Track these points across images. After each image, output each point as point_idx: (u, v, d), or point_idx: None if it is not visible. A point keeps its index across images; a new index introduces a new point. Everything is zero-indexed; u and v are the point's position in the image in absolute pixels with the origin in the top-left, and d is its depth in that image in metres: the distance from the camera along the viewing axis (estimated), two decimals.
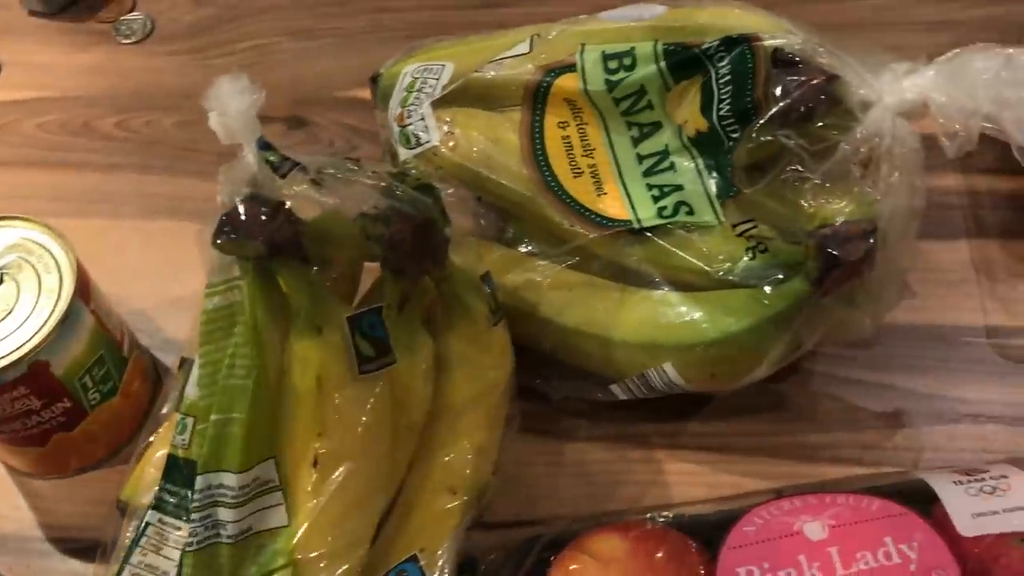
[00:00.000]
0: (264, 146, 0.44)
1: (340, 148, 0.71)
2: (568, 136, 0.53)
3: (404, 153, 0.55)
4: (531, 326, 0.53)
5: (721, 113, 0.50)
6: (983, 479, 0.45)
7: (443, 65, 0.56)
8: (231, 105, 0.43)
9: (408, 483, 0.49)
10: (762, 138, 0.47)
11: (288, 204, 0.44)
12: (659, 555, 0.45)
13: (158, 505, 0.44)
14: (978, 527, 0.43)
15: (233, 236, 0.42)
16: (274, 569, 0.43)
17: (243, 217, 0.42)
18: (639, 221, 0.50)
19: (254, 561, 0.43)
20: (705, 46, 0.50)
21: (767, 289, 0.47)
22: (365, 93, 0.72)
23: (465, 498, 0.49)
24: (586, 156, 0.53)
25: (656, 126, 0.52)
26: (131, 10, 0.80)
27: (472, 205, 0.55)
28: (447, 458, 0.49)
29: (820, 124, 0.47)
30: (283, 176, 0.44)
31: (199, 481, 0.42)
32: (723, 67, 0.50)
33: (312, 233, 0.44)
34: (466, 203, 0.55)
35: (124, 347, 0.56)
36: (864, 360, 0.58)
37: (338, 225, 0.47)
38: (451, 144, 0.54)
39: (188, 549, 0.42)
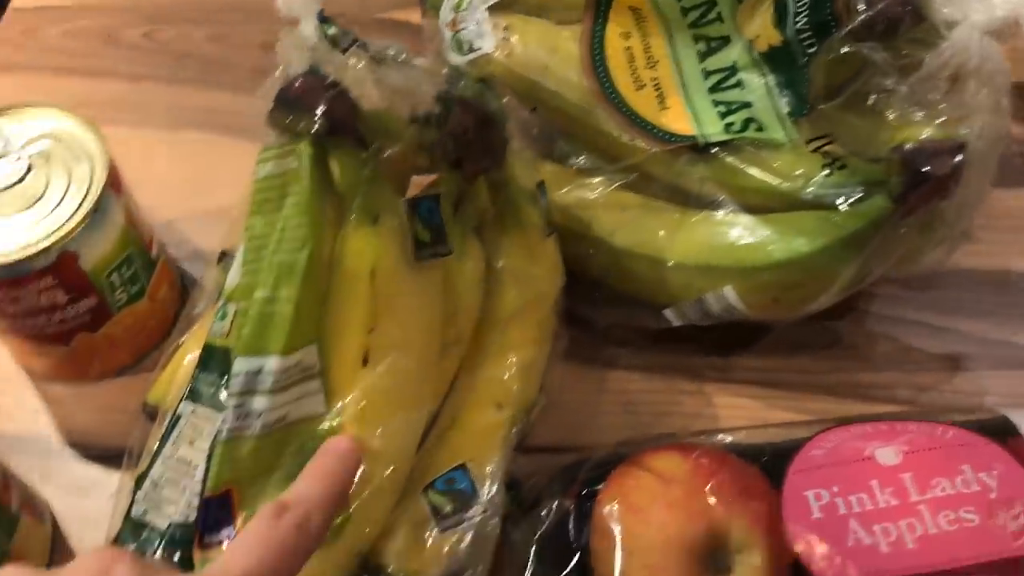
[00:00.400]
0: (324, 19, 0.42)
1: None
2: (630, 47, 0.51)
3: (456, 60, 0.52)
4: (581, 247, 0.51)
5: (798, 26, 0.47)
6: None
7: None
8: None
9: (453, 397, 0.47)
10: (843, 51, 0.45)
11: (343, 84, 0.41)
12: (722, 476, 0.42)
13: (192, 395, 0.42)
14: None
15: (290, 110, 0.39)
16: None
17: (301, 92, 0.40)
18: (704, 136, 0.48)
19: (289, 452, 0.40)
20: None
21: (843, 208, 0.45)
22: (406, 15, 0.71)
23: (511, 413, 0.46)
24: (649, 68, 0.50)
25: (724, 40, 0.50)
26: None
27: (524, 117, 0.52)
28: (494, 372, 0.47)
29: (903, 40, 0.45)
30: (344, 51, 0.41)
31: (237, 364, 0.39)
32: None
33: (366, 117, 0.42)
34: (517, 115, 0.52)
35: (152, 249, 0.53)
36: (923, 301, 0.56)
37: (391, 119, 0.44)
38: (507, 51, 0.51)
39: (219, 438, 0.39)
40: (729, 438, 0.46)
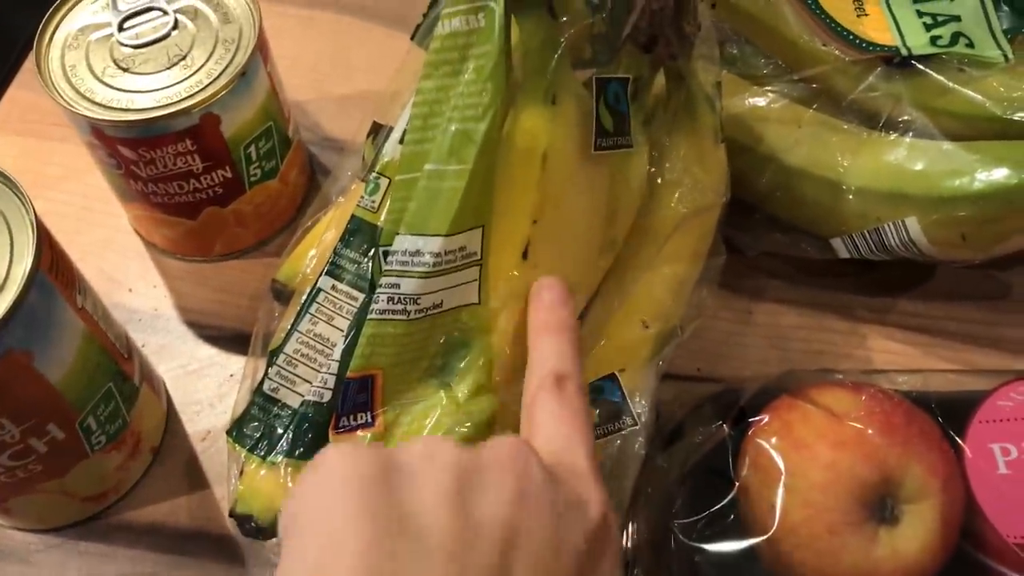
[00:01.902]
0: None
1: None
2: None
3: None
4: (748, 163, 0.47)
5: None
6: None
7: None
8: None
9: (599, 304, 0.43)
10: None
11: None
12: (898, 419, 0.39)
13: (332, 271, 0.39)
14: None
15: None
16: (466, 361, 0.37)
17: None
18: (908, 48, 0.43)
19: (436, 341, 0.37)
20: None
21: None
22: None
23: (658, 331, 0.43)
24: None
25: None
26: None
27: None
28: (646, 285, 0.43)
29: None
30: None
31: (398, 242, 0.36)
32: None
33: None
34: None
35: (290, 128, 0.51)
36: None
37: None
38: None
39: (368, 318, 0.36)
40: (901, 379, 0.42)
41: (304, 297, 0.40)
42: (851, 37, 0.44)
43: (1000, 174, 0.42)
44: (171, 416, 0.47)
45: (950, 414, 0.40)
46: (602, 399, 0.40)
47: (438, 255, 0.36)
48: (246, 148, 0.47)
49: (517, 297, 0.38)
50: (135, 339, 0.47)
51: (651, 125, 0.43)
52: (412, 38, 0.43)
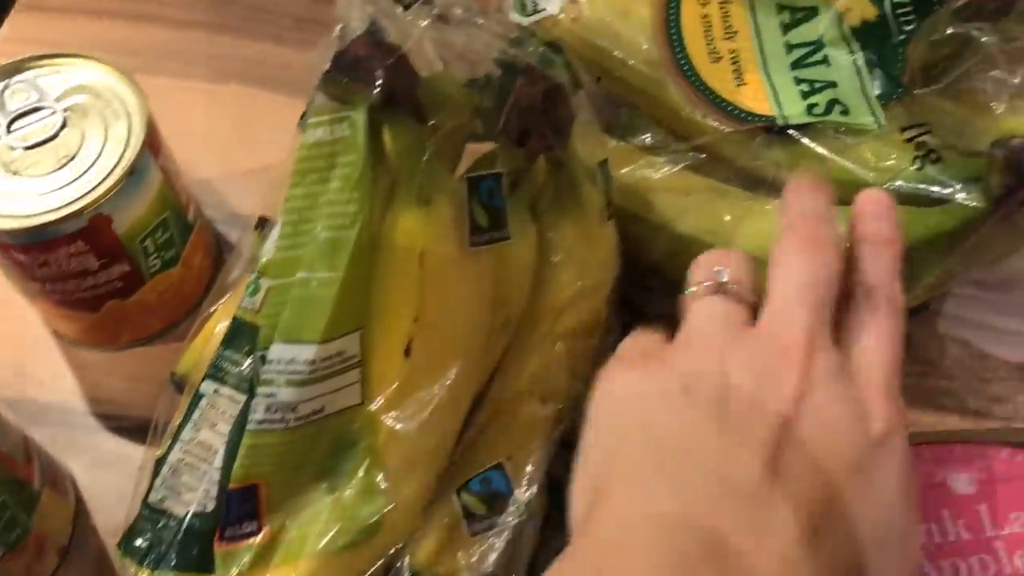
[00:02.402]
0: None
1: None
2: (708, 15, 0.47)
3: (518, 20, 0.48)
4: (641, 230, 0.48)
5: (895, 0, 0.43)
6: None
7: None
8: None
9: (495, 386, 0.44)
10: (948, 31, 0.41)
11: (405, 50, 0.38)
12: None
13: (215, 374, 0.39)
14: None
15: (347, 77, 0.36)
16: (352, 463, 0.38)
17: (360, 56, 0.36)
18: (784, 118, 0.44)
19: (322, 445, 0.38)
20: None
21: (936, 206, 0.41)
22: None
23: (557, 408, 0.44)
24: (727, 39, 0.46)
25: (811, 12, 0.46)
26: None
27: (589, 87, 0.49)
28: (541, 363, 0.44)
29: (1014, 21, 0.41)
30: (406, 7, 0.38)
31: (273, 351, 0.36)
32: None
33: (426, 87, 0.38)
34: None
35: (189, 213, 0.51)
36: (1000, 305, 0.52)
37: (450, 84, 0.41)
38: (573, 14, 0.47)
39: (247, 428, 0.37)
40: None
41: (187, 401, 0.40)
42: (730, 108, 0.45)
43: None
44: (80, 512, 0.47)
45: None
46: (488, 491, 0.40)
47: (313, 363, 0.36)
48: (142, 242, 0.47)
49: (402, 395, 0.38)
50: (44, 434, 0.47)
51: (538, 209, 0.44)
52: (299, 124, 0.43)
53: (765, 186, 0.46)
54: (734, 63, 0.46)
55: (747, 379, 0.30)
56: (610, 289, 0.46)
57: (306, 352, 0.36)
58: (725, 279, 0.34)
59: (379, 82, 0.35)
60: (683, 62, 0.46)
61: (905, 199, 0.42)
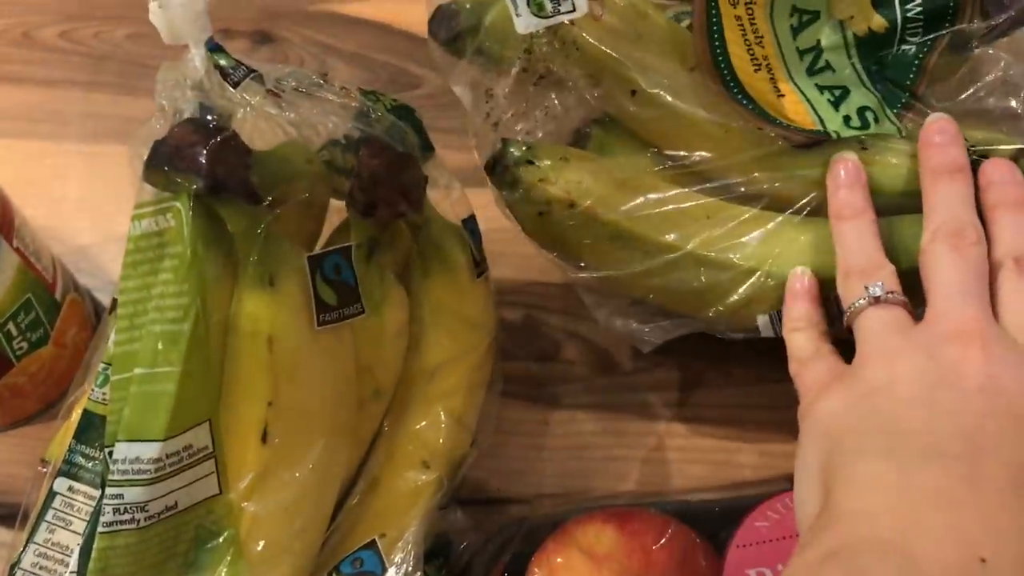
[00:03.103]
0: (214, 48, 0.37)
1: (312, 68, 0.63)
2: (740, 16, 0.42)
3: (529, 23, 0.39)
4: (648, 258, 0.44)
5: (909, 13, 0.42)
6: None
7: None
8: None
9: (374, 457, 0.43)
10: (976, 51, 0.42)
11: (234, 130, 0.37)
12: (657, 551, 0.39)
13: (69, 471, 0.38)
14: None
15: (167, 168, 0.35)
16: (215, 555, 0.37)
17: (181, 145, 0.35)
18: (834, 132, 0.41)
19: (184, 539, 0.37)
20: None
21: None
22: (341, 7, 0.66)
23: (438, 473, 0.43)
24: (759, 45, 0.43)
25: (815, 16, 0.43)
26: None
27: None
28: (419, 427, 0.43)
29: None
30: (235, 85, 0.37)
31: (117, 451, 0.35)
32: None
33: (265, 166, 0.37)
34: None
35: (57, 290, 0.49)
36: None
37: (295, 154, 0.40)
38: (596, 10, 0.41)
39: (100, 530, 0.35)
40: (673, 500, 0.43)
41: (41, 500, 0.39)
42: (782, 124, 0.42)
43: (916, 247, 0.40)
44: None
45: (723, 534, 0.41)
46: (361, 572, 0.39)
47: (159, 460, 0.35)
48: (3, 328, 0.45)
49: (262, 481, 0.37)
50: None
51: (406, 270, 0.43)
52: None
53: (783, 203, 0.43)
54: (769, 72, 0.43)
55: (934, 368, 0.33)
56: (487, 347, 0.45)
57: (150, 450, 0.35)
58: (879, 292, 0.37)
59: (203, 170, 0.34)
60: (726, 71, 0.42)
61: None
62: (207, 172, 0.35)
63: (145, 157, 0.36)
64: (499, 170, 0.42)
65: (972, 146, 0.41)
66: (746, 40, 0.43)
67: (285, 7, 0.65)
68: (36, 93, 0.63)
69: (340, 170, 0.41)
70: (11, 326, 0.46)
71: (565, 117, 0.45)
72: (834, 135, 0.41)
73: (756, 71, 0.43)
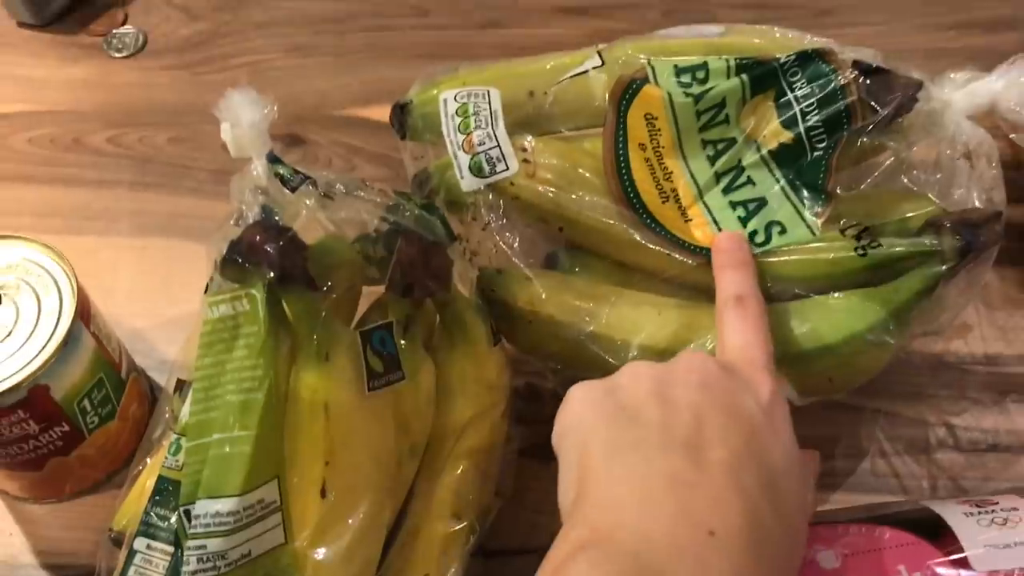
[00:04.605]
0: (274, 159, 0.44)
1: (338, 167, 0.70)
2: (648, 159, 0.51)
3: (472, 183, 0.50)
4: (616, 360, 0.50)
5: (808, 124, 0.49)
6: (994, 510, 0.45)
7: (487, 90, 0.53)
8: (243, 117, 0.43)
9: (411, 508, 0.48)
10: (867, 142, 0.49)
11: (294, 230, 0.43)
12: None
13: (146, 531, 0.43)
14: (991, 560, 0.42)
15: (241, 263, 0.41)
16: None
17: (253, 244, 0.42)
18: None
19: None
20: (781, 60, 0.50)
21: (892, 282, 0.48)
22: (363, 112, 0.73)
23: (469, 520, 0.48)
24: (667, 180, 0.51)
25: (730, 143, 0.51)
26: (123, 23, 0.80)
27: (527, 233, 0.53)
28: (449, 481, 0.49)
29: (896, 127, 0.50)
30: (293, 190, 0.43)
31: (198, 507, 0.40)
32: (798, 81, 0.50)
33: (315, 257, 0.44)
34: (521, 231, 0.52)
35: (122, 369, 0.55)
36: (867, 388, 0.57)
37: (339, 247, 0.47)
38: (530, 171, 0.50)
39: None
40: None
41: (122, 559, 0.44)
42: (687, 245, 0.50)
43: (850, 323, 0.48)
44: None
45: None
46: None
47: (236, 513, 0.40)
48: (79, 403, 0.51)
49: (322, 531, 0.43)
50: None
51: (432, 344, 0.49)
52: (206, 292, 0.48)
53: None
54: (677, 201, 0.51)
55: (666, 371, 0.41)
56: (506, 405, 0.51)
57: (229, 505, 0.40)
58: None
59: (273, 264, 0.40)
60: (638, 206, 0.50)
61: (857, 283, 0.49)
62: (277, 264, 0.41)
63: (221, 254, 0.42)
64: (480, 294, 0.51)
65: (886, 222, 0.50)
66: (654, 176, 0.51)
67: (312, 113, 0.73)
68: (87, 193, 0.70)
69: (370, 259, 0.48)
70: (86, 402, 0.52)
71: (527, 248, 0.53)
72: None
73: (664, 202, 0.51)
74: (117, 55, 0.78)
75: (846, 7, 0.78)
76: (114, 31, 0.79)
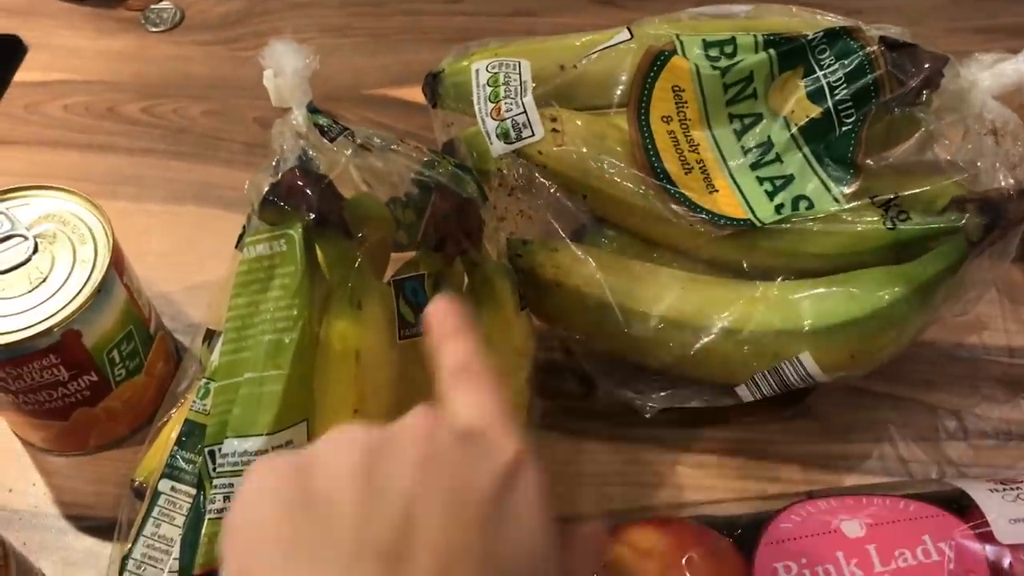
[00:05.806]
0: (314, 110, 0.44)
1: None
2: (673, 131, 0.52)
3: (500, 148, 0.51)
4: (639, 332, 0.51)
5: (837, 98, 0.50)
6: (1018, 488, 0.45)
7: (518, 61, 0.54)
8: (286, 65, 0.43)
9: None
10: (894, 116, 0.50)
11: (330, 178, 0.44)
12: (697, 550, 0.44)
13: (171, 473, 0.44)
14: (1016, 534, 0.42)
15: (280, 205, 0.42)
16: None
17: (292, 186, 0.42)
18: (760, 220, 0.50)
19: None
20: (809, 37, 0.51)
21: (920, 257, 0.49)
22: (395, 92, 0.73)
23: None
24: (692, 152, 0.52)
25: (758, 117, 0.52)
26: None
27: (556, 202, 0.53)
28: None
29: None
30: (332, 140, 0.44)
31: (227, 445, 0.40)
32: (826, 58, 0.51)
33: (352, 209, 0.44)
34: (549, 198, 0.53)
35: (151, 325, 0.56)
36: (887, 374, 0.57)
37: (373, 203, 0.47)
38: (558, 139, 0.51)
39: (210, 517, 0.41)
40: (705, 510, 0.48)
41: (148, 499, 0.44)
42: (710, 215, 0.50)
43: (876, 297, 0.49)
44: None
45: (750, 537, 0.46)
46: None
47: (265, 452, 0.41)
48: (108, 353, 0.52)
49: None
50: (16, 537, 0.50)
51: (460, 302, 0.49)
52: (236, 246, 0.48)
53: (742, 271, 0.52)
54: (703, 172, 0.51)
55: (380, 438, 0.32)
56: (528, 371, 0.51)
57: (257, 443, 0.40)
58: None
59: (310, 207, 0.41)
60: (662, 176, 0.51)
61: (881, 260, 0.49)
62: (315, 208, 0.41)
63: (261, 197, 0.42)
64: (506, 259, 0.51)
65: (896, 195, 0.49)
66: (679, 148, 0.52)
67: (345, 92, 0.73)
68: (120, 160, 0.70)
69: (399, 223, 0.48)
70: (115, 353, 0.52)
71: (554, 219, 0.53)
72: (758, 223, 0.50)
73: (687, 173, 0.51)
74: (154, 29, 0.79)
75: (874, 8, 0.79)
76: (151, 6, 0.80)
